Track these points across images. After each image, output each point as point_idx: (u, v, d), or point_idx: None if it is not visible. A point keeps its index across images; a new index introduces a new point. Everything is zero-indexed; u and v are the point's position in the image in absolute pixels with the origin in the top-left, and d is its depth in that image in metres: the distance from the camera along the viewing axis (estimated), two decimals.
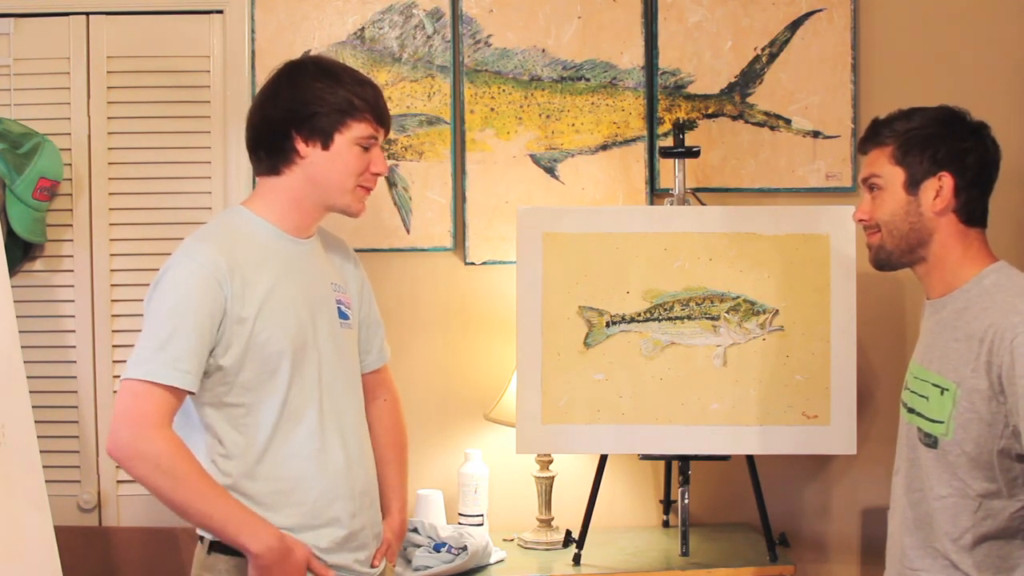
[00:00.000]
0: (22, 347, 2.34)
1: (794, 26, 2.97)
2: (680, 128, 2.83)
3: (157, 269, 2.79)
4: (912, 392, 1.99)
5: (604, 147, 2.96)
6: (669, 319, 2.66)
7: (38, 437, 2.30)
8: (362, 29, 2.92)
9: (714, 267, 2.66)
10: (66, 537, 2.45)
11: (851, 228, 2.64)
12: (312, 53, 2.87)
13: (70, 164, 2.83)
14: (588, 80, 2.95)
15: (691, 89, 2.97)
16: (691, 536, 2.70)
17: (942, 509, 1.88)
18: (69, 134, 2.84)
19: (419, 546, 2.62)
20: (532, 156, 2.95)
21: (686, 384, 2.65)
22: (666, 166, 2.94)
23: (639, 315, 2.67)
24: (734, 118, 2.98)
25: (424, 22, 2.93)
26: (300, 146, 1.97)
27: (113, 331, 2.85)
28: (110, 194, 2.85)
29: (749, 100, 2.98)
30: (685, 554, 2.68)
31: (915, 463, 1.95)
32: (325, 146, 1.98)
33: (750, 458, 2.72)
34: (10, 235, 2.70)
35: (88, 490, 2.85)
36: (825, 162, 2.98)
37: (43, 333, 2.84)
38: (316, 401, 1.98)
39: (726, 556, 2.71)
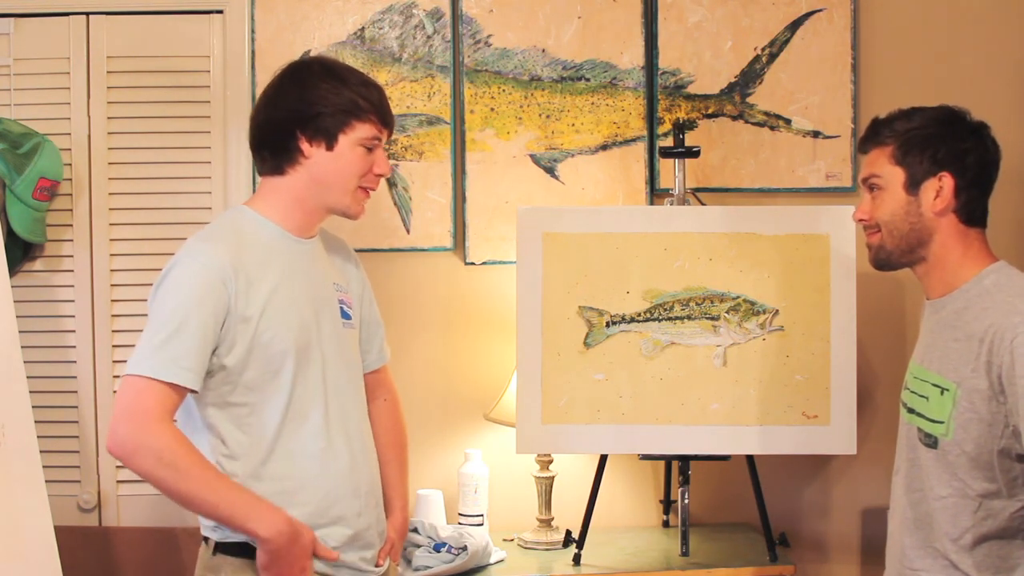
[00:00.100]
0: (22, 347, 2.34)
1: (794, 26, 2.97)
2: (680, 128, 2.83)
3: (157, 269, 2.79)
4: (912, 392, 1.98)
5: (604, 147, 2.96)
6: (669, 319, 2.66)
7: (38, 437, 2.30)
8: (362, 29, 2.92)
9: (714, 267, 2.66)
10: (66, 537, 2.44)
11: (851, 228, 2.64)
12: (312, 53, 2.88)
13: (70, 164, 2.83)
14: (588, 80, 2.95)
15: (691, 89, 2.97)
16: (691, 536, 2.70)
17: (942, 509, 1.88)
18: (69, 134, 2.84)
19: (419, 546, 2.62)
20: (532, 156, 2.95)
21: (686, 384, 2.65)
22: (666, 166, 2.94)
23: (639, 315, 2.67)
24: (734, 118, 2.98)
25: (424, 22, 2.93)
26: (304, 146, 1.98)
27: (113, 331, 2.85)
28: (110, 194, 2.85)
29: (749, 100, 2.98)
30: (685, 554, 2.68)
31: (915, 463, 1.95)
32: (329, 146, 1.98)
33: (750, 458, 2.72)
34: (10, 235, 2.70)
35: (88, 490, 2.85)
36: (825, 162, 2.98)
37: (43, 333, 2.84)
38: (321, 401, 1.99)
39: (726, 556, 2.71)
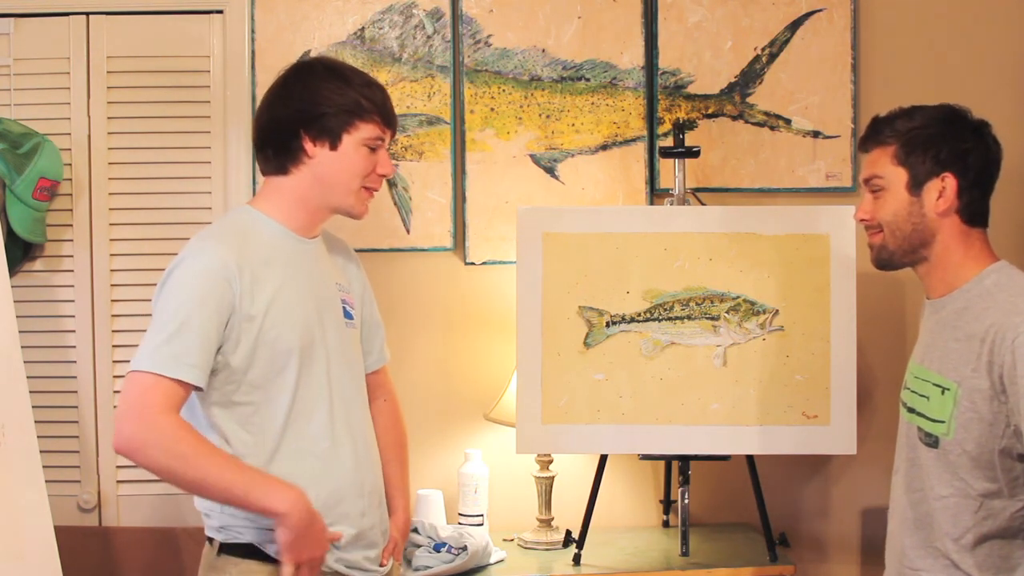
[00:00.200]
0: (22, 347, 2.34)
1: (794, 26, 2.97)
2: (680, 128, 2.83)
3: (157, 269, 2.79)
4: (912, 392, 1.98)
5: (604, 147, 2.96)
6: (669, 319, 2.66)
7: (38, 437, 2.30)
8: (362, 29, 2.92)
9: (714, 267, 2.66)
10: (66, 537, 2.44)
11: (851, 228, 2.64)
12: (312, 53, 2.88)
13: (70, 164, 2.83)
14: (588, 80, 2.95)
15: (691, 89, 2.97)
16: (691, 536, 2.70)
17: (943, 509, 1.88)
18: (69, 134, 2.84)
19: (419, 546, 2.62)
20: (532, 156, 2.95)
21: (686, 384, 2.65)
22: (666, 166, 2.94)
23: (639, 315, 2.66)
24: (734, 118, 2.98)
25: (424, 22, 2.93)
26: (308, 146, 1.98)
27: (113, 331, 2.85)
28: (110, 194, 2.85)
29: (749, 100, 2.98)
30: (685, 554, 2.68)
31: (915, 463, 1.95)
32: (333, 146, 1.98)
33: (750, 458, 2.72)
34: (10, 235, 2.70)
35: (88, 490, 2.85)
36: (825, 162, 2.98)
37: (43, 333, 2.84)
38: (326, 400, 1.99)
39: (726, 556, 2.71)
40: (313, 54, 2.88)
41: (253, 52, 2.89)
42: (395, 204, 2.93)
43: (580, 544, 2.67)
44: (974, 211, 1.94)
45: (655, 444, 2.66)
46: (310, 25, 2.90)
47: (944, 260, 1.94)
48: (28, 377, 2.33)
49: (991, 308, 1.85)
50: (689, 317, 2.66)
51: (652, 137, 2.97)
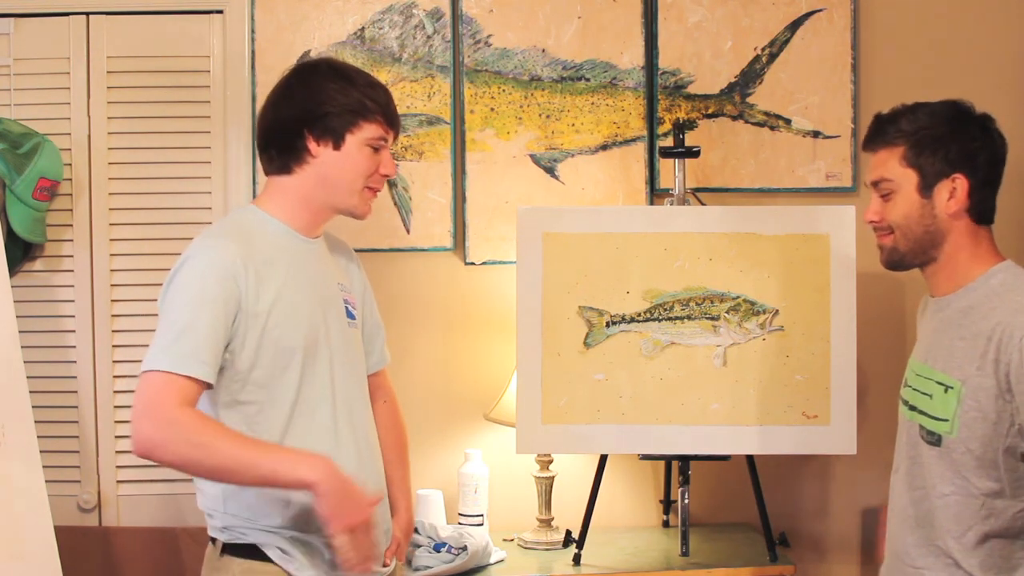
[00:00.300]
0: (22, 347, 2.34)
1: (794, 26, 2.97)
2: (680, 128, 2.83)
3: (157, 269, 2.83)
4: (914, 390, 1.97)
5: (604, 147, 2.96)
6: (669, 319, 2.66)
7: (38, 437, 2.31)
8: (362, 29, 2.92)
9: (714, 267, 2.66)
10: (66, 537, 2.45)
11: (851, 228, 2.64)
12: (312, 53, 2.88)
13: (70, 164, 2.83)
14: (588, 80, 2.95)
15: (691, 89, 2.97)
16: (691, 536, 2.70)
17: (944, 508, 1.88)
18: (69, 134, 2.84)
19: (419, 546, 2.62)
20: (532, 156, 2.95)
21: (686, 384, 2.65)
22: (666, 166, 2.94)
23: (639, 315, 2.66)
24: (734, 118, 2.98)
25: (424, 22, 2.93)
26: (312, 145, 1.98)
27: (113, 331, 2.85)
28: (110, 194, 2.85)
29: (749, 100, 2.98)
30: (685, 554, 2.68)
31: (916, 461, 1.94)
32: (336, 146, 1.99)
33: (750, 458, 2.72)
34: (10, 235, 2.70)
35: (88, 490, 2.85)
36: (825, 162, 2.98)
37: (43, 333, 2.84)
38: (329, 399, 1.99)
39: (726, 556, 2.71)
40: (313, 54, 2.88)
41: (253, 52, 2.89)
42: (395, 204, 2.93)
43: (580, 544, 2.68)
44: (983, 209, 1.92)
45: (655, 444, 2.66)
46: (310, 25, 2.90)
47: (953, 260, 1.93)
48: (28, 377, 2.34)
49: (998, 307, 1.84)
50: (689, 317, 2.66)
51: (652, 137, 2.97)
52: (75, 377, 2.85)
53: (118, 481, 2.86)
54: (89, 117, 2.85)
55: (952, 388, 1.87)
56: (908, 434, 1.98)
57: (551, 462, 2.81)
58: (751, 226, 2.67)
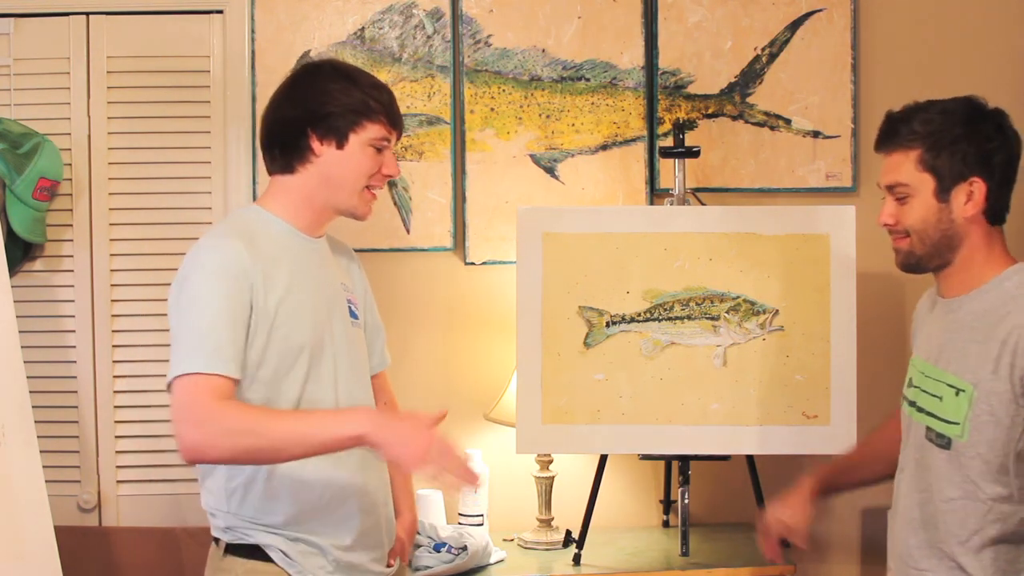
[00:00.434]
0: (22, 347, 2.35)
1: (794, 26, 2.97)
2: (680, 128, 2.83)
3: (157, 269, 2.83)
4: (922, 391, 1.94)
5: (604, 147, 2.96)
6: (669, 319, 2.66)
7: (38, 437, 2.31)
8: (362, 29, 2.92)
9: (714, 267, 2.66)
10: (66, 537, 2.45)
11: (851, 228, 2.64)
12: (312, 53, 2.88)
13: (70, 164, 2.84)
14: (588, 80, 2.95)
15: (691, 89, 2.97)
16: (691, 536, 2.70)
17: (951, 511, 1.85)
18: (69, 134, 2.84)
19: (419, 546, 2.62)
20: (532, 156, 2.95)
21: (686, 384, 2.65)
22: (666, 166, 2.94)
23: (639, 315, 2.67)
24: (734, 118, 2.98)
25: (424, 22, 2.93)
26: (315, 144, 1.99)
27: (113, 331, 2.85)
28: (110, 194, 2.85)
29: (749, 100, 2.98)
30: (685, 554, 2.68)
31: (922, 463, 1.92)
32: (340, 146, 1.99)
33: (750, 458, 2.72)
34: (10, 235, 2.70)
35: (88, 490, 2.85)
36: (825, 162, 2.98)
37: (43, 333, 2.84)
38: (333, 398, 1.99)
39: (726, 556, 2.71)
40: (313, 54, 2.88)
41: (253, 52, 2.89)
42: (395, 204, 2.93)
43: (580, 544, 2.68)
44: (999, 210, 1.90)
45: (655, 444, 2.66)
46: (310, 25, 2.90)
47: (968, 262, 1.90)
48: (28, 377, 2.34)
49: (1014, 311, 1.82)
50: (689, 317, 2.66)
51: (652, 137, 2.97)
52: (75, 377, 2.85)
53: (118, 481, 2.86)
54: (89, 117, 2.85)
55: (964, 391, 1.84)
56: (914, 435, 1.96)
57: (551, 462, 2.81)
58: (751, 226, 2.67)
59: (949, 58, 2.98)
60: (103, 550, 2.81)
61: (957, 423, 1.84)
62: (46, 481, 2.31)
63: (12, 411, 2.25)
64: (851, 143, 2.97)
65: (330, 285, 2.06)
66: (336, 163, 1.99)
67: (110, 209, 2.85)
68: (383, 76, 2.87)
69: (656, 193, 2.97)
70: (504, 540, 2.82)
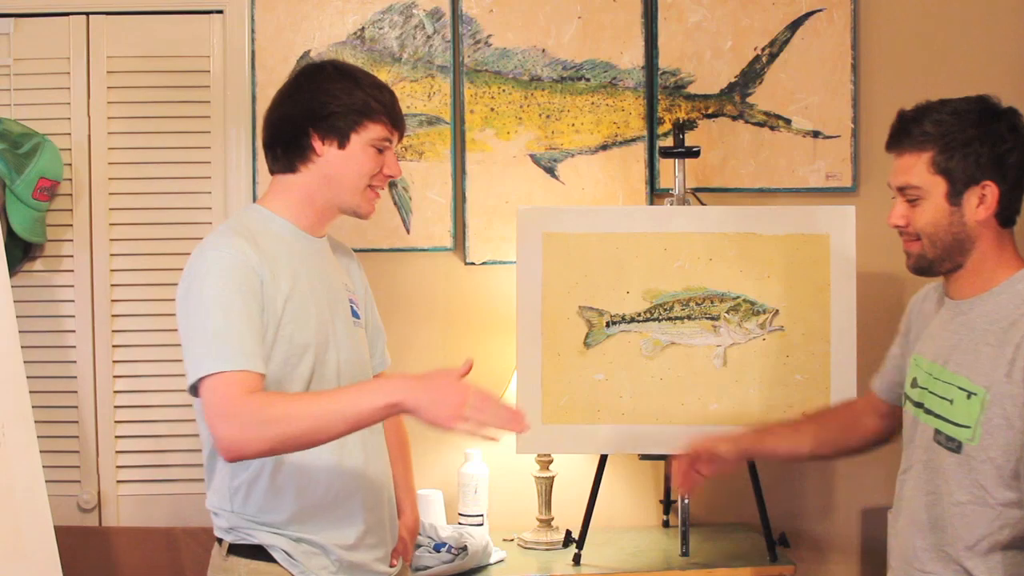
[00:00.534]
0: (22, 347, 2.35)
1: (794, 26, 2.97)
2: (680, 128, 2.83)
3: (157, 269, 2.84)
4: (930, 392, 1.92)
5: (604, 147, 2.96)
6: (669, 319, 2.66)
7: (38, 437, 2.31)
8: (362, 29, 2.92)
9: (714, 267, 2.66)
10: (66, 537, 2.45)
11: (851, 228, 2.64)
12: (312, 53, 2.89)
13: (70, 164, 2.84)
14: (588, 80, 2.95)
15: (691, 89, 2.97)
16: (691, 536, 2.70)
17: (959, 515, 1.83)
18: (69, 134, 2.84)
19: (419, 546, 2.62)
20: (532, 156, 2.95)
21: (686, 384, 2.65)
22: (666, 166, 2.94)
23: (639, 315, 2.67)
24: (734, 118, 2.98)
25: (424, 22, 2.93)
26: (316, 144, 1.99)
27: (113, 331, 2.85)
28: (110, 194, 2.85)
29: (749, 100, 2.98)
30: (685, 554, 2.68)
31: (930, 465, 1.90)
32: (341, 145, 1.99)
33: None
34: (10, 235, 2.70)
35: (88, 490, 2.85)
36: (825, 162, 2.98)
37: (43, 333, 2.84)
38: None
39: (726, 556, 2.71)
40: (313, 54, 2.89)
41: (253, 52, 2.89)
42: (395, 204, 2.93)
43: (580, 544, 2.68)
44: (1011, 213, 1.88)
45: (655, 444, 2.66)
46: (310, 25, 2.90)
47: (979, 265, 1.88)
48: (28, 377, 2.34)
49: None
50: (689, 317, 2.66)
51: (652, 137, 2.97)
52: (75, 377, 2.85)
53: (118, 481, 2.86)
54: (89, 117, 2.85)
55: (976, 395, 1.81)
56: (920, 436, 1.93)
57: (551, 462, 2.81)
58: (751, 226, 2.67)
59: (949, 58, 2.98)
60: (103, 550, 2.81)
61: (968, 427, 1.82)
62: (46, 481, 2.31)
63: (12, 411, 2.25)
64: (851, 143, 2.97)
65: (333, 285, 2.07)
66: (338, 163, 2.00)
67: (110, 209, 2.85)
68: (383, 76, 2.87)
69: (656, 193, 2.97)
70: (504, 540, 2.82)
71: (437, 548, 2.61)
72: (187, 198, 2.87)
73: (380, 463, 2.07)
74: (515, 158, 2.95)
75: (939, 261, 1.90)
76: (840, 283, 2.64)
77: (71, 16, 2.85)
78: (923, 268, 1.93)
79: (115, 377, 2.85)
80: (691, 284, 2.66)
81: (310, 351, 1.95)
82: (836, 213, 2.66)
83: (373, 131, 2.01)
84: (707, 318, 2.66)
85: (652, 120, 2.97)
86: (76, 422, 2.85)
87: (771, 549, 2.67)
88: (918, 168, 1.87)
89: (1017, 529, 1.80)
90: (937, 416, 1.89)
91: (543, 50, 2.94)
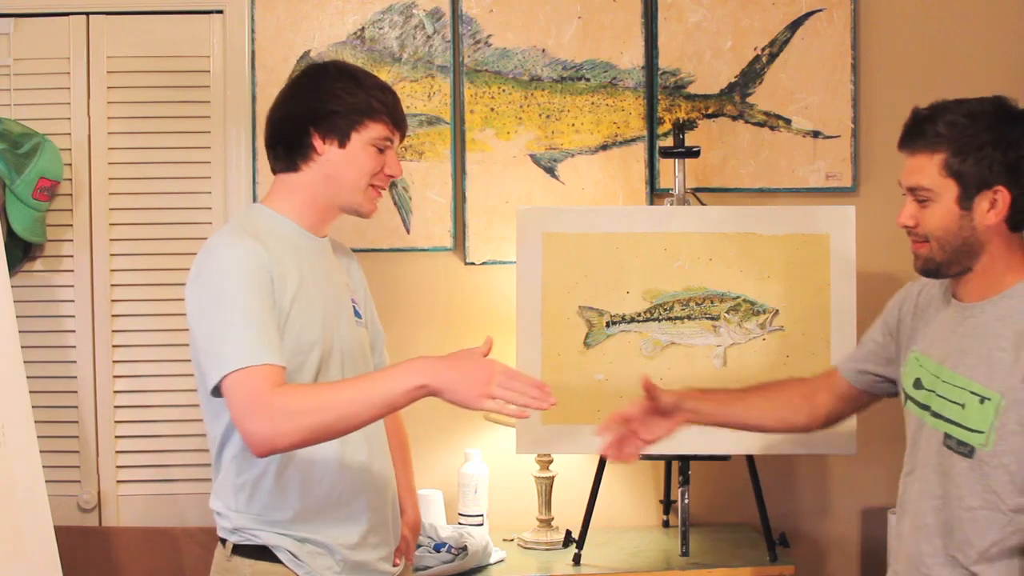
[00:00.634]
0: (22, 347, 2.35)
1: (794, 26, 2.97)
2: (680, 128, 2.83)
3: (157, 269, 2.83)
4: (937, 395, 1.89)
5: (604, 147, 2.96)
6: (669, 319, 2.66)
7: (38, 437, 2.31)
8: (362, 29, 2.92)
9: (714, 267, 2.66)
10: (66, 537, 2.45)
11: (851, 228, 2.64)
12: (312, 53, 2.89)
13: (70, 164, 2.84)
14: (588, 80, 2.95)
15: (691, 89, 2.97)
16: (691, 536, 2.70)
17: (970, 520, 1.81)
18: (69, 134, 2.84)
19: (419, 546, 2.62)
20: (532, 156, 2.95)
21: (686, 384, 2.63)
22: (666, 166, 2.94)
23: (639, 315, 2.67)
24: (734, 118, 2.98)
25: (424, 22, 2.93)
26: (317, 143, 1.99)
27: (113, 331, 2.85)
28: (110, 194, 2.85)
29: (749, 100, 2.98)
30: (685, 554, 2.68)
31: (938, 469, 1.87)
32: (342, 144, 2.00)
33: (750, 458, 2.72)
34: (10, 235, 2.70)
35: (88, 490, 2.85)
36: (825, 162, 2.98)
37: (43, 333, 2.84)
38: None
39: (726, 556, 2.71)
40: (313, 54, 2.89)
41: (253, 52, 2.89)
42: (395, 204, 2.93)
43: (580, 544, 2.68)
44: (1022, 217, 1.85)
45: (655, 444, 2.65)
46: (310, 25, 2.90)
47: (989, 268, 1.86)
48: (28, 377, 2.34)
49: None
50: (689, 317, 2.66)
51: (652, 137, 2.97)
52: (75, 377, 2.85)
53: (118, 481, 2.86)
54: (89, 117, 2.85)
55: (990, 400, 1.79)
56: (927, 439, 1.90)
57: (551, 462, 2.81)
58: (751, 226, 2.67)
59: (949, 58, 2.98)
60: (103, 550, 2.81)
61: (982, 432, 1.80)
62: (46, 481, 2.31)
63: (12, 411, 2.25)
64: (851, 143, 2.97)
65: (336, 284, 2.07)
66: (338, 162, 2.00)
67: (110, 209, 2.85)
68: (383, 76, 2.87)
69: (656, 193, 2.97)
70: (504, 540, 2.82)
71: (437, 548, 2.61)
72: (187, 198, 2.87)
73: (383, 461, 2.08)
74: (515, 158, 2.95)
75: (947, 264, 1.88)
76: (840, 283, 2.64)
77: (71, 16, 2.85)
78: (931, 271, 1.90)
79: (115, 377, 2.85)
80: (691, 284, 2.66)
81: (316, 349, 1.95)
82: (836, 213, 2.66)
83: (374, 130, 2.01)
84: (707, 318, 2.66)
85: (652, 120, 2.97)
86: (76, 422, 2.84)
87: (771, 549, 2.67)
88: (929, 169, 1.84)
89: None
90: (947, 420, 1.86)
91: (543, 50, 2.94)
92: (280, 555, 1.93)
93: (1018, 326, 1.81)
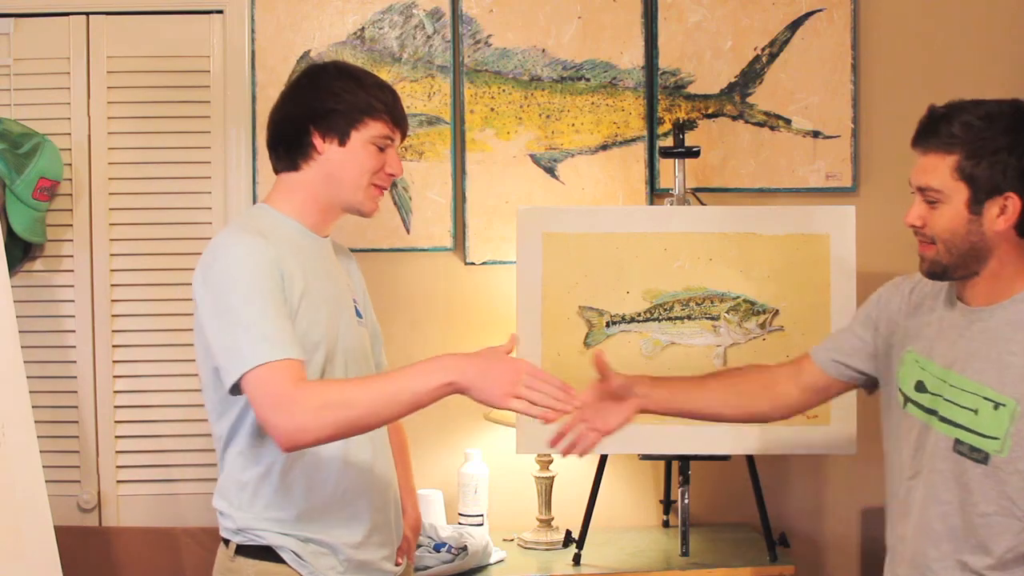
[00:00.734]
0: (22, 347, 2.35)
1: (794, 26, 2.97)
2: (680, 128, 2.83)
3: (157, 269, 2.83)
4: (945, 400, 1.86)
5: (604, 147, 2.96)
6: (669, 319, 2.66)
7: (38, 437, 2.31)
8: (362, 29, 2.92)
9: (714, 267, 2.66)
10: (66, 537, 2.45)
11: (851, 228, 2.64)
12: (312, 53, 2.89)
13: (70, 164, 2.84)
14: (588, 80, 2.95)
15: (691, 89, 2.97)
16: (691, 536, 2.70)
17: (984, 526, 1.80)
18: (69, 134, 2.84)
19: (419, 546, 2.62)
20: (532, 156, 2.95)
21: None
22: (666, 166, 2.94)
23: (639, 315, 2.67)
24: (734, 118, 2.98)
25: (424, 22, 2.93)
26: (317, 142, 2.00)
27: (113, 331, 2.85)
28: (110, 194, 2.85)
29: (749, 100, 2.98)
30: (685, 554, 2.68)
31: (948, 474, 1.84)
32: (342, 143, 2.00)
33: (750, 458, 2.72)
34: (10, 235, 2.70)
35: (88, 490, 2.85)
36: (825, 162, 2.98)
37: (43, 333, 2.84)
38: None
39: (726, 556, 2.71)
40: (313, 54, 2.89)
41: (253, 52, 2.89)
42: (395, 204, 2.93)
43: (580, 544, 2.68)
44: None
45: (655, 444, 2.66)
46: (310, 25, 2.90)
47: (997, 273, 1.84)
48: (28, 377, 2.34)
49: None
50: (689, 317, 2.66)
51: (652, 137, 2.97)
52: (75, 377, 2.85)
53: (118, 481, 2.86)
54: (89, 117, 2.85)
55: (1004, 406, 1.77)
56: (933, 444, 1.87)
57: (551, 462, 2.81)
58: (751, 226, 2.67)
59: (949, 58, 2.98)
60: (103, 550, 2.81)
61: (996, 438, 1.78)
62: (46, 481, 2.31)
63: (12, 411, 2.25)
64: (851, 143, 2.97)
65: (338, 284, 2.08)
66: (339, 160, 2.00)
67: (110, 209, 2.85)
68: (383, 76, 2.86)
69: (656, 193, 2.97)
70: (504, 540, 2.82)
71: (437, 548, 2.61)
72: (187, 198, 2.87)
73: (386, 461, 2.08)
74: (515, 158, 2.95)
75: (954, 267, 1.85)
76: (840, 283, 2.64)
77: (71, 16, 2.85)
78: (937, 273, 1.88)
79: (115, 377, 2.85)
80: (691, 284, 2.66)
81: (321, 348, 1.95)
82: (836, 213, 2.66)
83: (374, 129, 2.01)
84: (707, 318, 2.66)
85: (652, 120, 2.97)
86: (76, 422, 2.84)
87: (771, 549, 2.68)
88: (941, 171, 1.81)
89: None
90: (957, 425, 1.84)
91: (543, 50, 2.95)
92: (284, 555, 1.93)
93: None
